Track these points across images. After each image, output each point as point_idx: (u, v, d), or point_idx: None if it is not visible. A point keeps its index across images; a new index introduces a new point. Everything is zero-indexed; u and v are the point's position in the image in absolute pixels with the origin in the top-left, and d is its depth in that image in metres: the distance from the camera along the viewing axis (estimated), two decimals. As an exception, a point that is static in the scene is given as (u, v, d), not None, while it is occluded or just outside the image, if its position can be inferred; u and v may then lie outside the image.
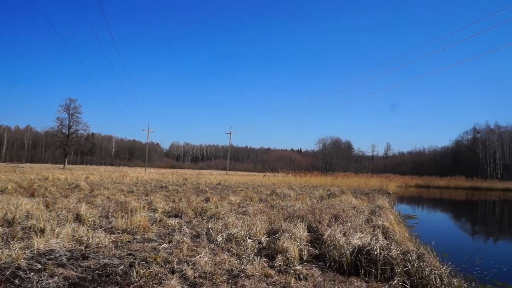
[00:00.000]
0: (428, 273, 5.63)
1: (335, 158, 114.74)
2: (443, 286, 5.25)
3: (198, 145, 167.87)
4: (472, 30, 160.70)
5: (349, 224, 9.35)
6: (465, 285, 5.54)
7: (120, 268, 5.56)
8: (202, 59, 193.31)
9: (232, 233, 8.07)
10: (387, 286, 5.38)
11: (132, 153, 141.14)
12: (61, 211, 10.41)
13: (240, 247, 7.28)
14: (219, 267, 5.96)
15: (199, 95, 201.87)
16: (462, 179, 61.00)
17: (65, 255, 6.15)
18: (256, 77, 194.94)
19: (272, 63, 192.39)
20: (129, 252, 6.61)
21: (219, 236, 7.84)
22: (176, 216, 11.03)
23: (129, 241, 7.48)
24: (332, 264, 6.63)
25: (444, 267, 6.05)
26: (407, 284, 5.42)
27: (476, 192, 48.59)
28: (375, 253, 6.40)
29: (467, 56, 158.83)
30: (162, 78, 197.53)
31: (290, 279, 5.59)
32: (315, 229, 9.03)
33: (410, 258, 6.21)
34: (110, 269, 5.55)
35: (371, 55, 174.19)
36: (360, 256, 6.49)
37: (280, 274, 5.96)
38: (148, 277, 5.22)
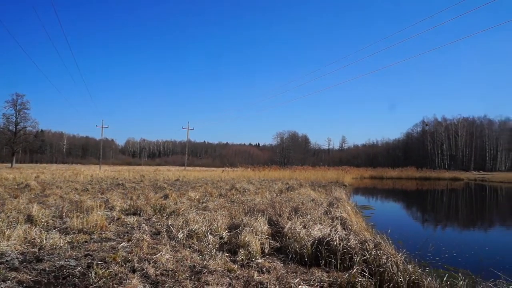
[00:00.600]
0: (385, 260, 5.84)
1: (292, 152, 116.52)
2: (399, 273, 5.46)
3: (155, 141, 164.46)
4: (417, 29, 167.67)
5: (308, 217, 9.53)
6: (419, 270, 5.79)
7: (77, 270, 5.36)
8: (157, 53, 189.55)
9: (193, 229, 8.00)
10: (346, 275, 5.52)
11: (85, 150, 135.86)
12: (11, 212, 9.87)
13: (202, 243, 7.23)
14: (181, 264, 5.90)
15: (154, 89, 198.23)
16: (413, 169, 63.76)
17: (17, 258, 5.85)
18: (210, 72, 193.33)
19: (227, 57, 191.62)
20: (86, 252, 6.39)
21: (180, 233, 7.74)
22: (134, 214, 10.78)
23: (86, 241, 7.23)
24: (294, 256, 6.74)
25: (400, 254, 6.31)
26: (366, 272, 5.59)
27: (426, 182, 50.97)
28: (335, 243, 6.56)
29: (417, 52, 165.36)
30: (116, 72, 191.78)
31: (253, 272, 5.62)
32: (275, 222, 9.15)
33: (368, 247, 6.42)
34: (67, 271, 5.34)
35: (326, 51, 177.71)
36: (320, 247, 6.63)
37: (243, 268, 5.98)
38: (108, 277, 5.08)
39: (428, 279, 5.40)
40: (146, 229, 8.45)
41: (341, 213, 10.58)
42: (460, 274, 5.70)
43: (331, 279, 5.60)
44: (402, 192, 35.71)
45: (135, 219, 9.81)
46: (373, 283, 5.33)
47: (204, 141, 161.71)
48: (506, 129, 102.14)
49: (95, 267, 5.36)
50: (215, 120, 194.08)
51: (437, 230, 14.73)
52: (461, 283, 5.15)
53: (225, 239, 7.60)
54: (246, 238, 7.05)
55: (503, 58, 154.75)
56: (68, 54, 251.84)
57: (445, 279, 5.49)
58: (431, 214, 19.94)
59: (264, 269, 5.96)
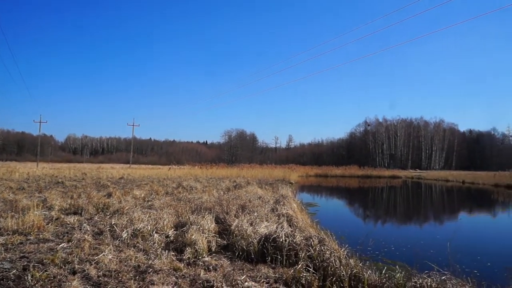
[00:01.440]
0: (329, 255, 6.03)
1: (240, 150, 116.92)
2: (341, 267, 5.66)
3: (98, 137, 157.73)
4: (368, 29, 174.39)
5: (255, 214, 9.62)
6: (360, 264, 6.05)
7: (12, 273, 5.04)
8: (99, 45, 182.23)
9: (138, 228, 7.80)
10: (292, 270, 5.64)
11: (21, 147, 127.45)
12: None
13: (147, 242, 7.07)
14: (125, 264, 5.73)
15: (97, 84, 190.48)
16: (356, 168, 66.32)
17: None
18: (161, 66, 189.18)
19: (179, 53, 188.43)
20: (22, 254, 6.02)
21: (124, 232, 7.51)
22: (75, 213, 10.30)
23: (21, 243, 6.81)
24: (240, 253, 6.79)
25: (342, 250, 6.56)
26: (310, 267, 5.74)
27: (367, 179, 53.19)
28: (281, 240, 6.69)
29: (360, 55, 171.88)
30: (55, 65, 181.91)
31: (200, 271, 5.59)
32: (223, 220, 9.14)
33: (313, 243, 6.61)
34: (0, 274, 5.02)
35: (275, 49, 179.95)
36: (266, 244, 6.73)
37: (189, 266, 5.93)
38: (46, 280, 4.82)
39: (369, 272, 5.65)
40: (88, 229, 8.12)
41: (287, 210, 10.78)
42: (397, 266, 6.00)
43: (277, 275, 5.71)
44: (345, 189, 37.01)
45: (76, 218, 9.39)
46: (317, 277, 5.48)
47: (150, 138, 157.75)
48: (440, 130, 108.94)
49: (31, 269, 5.07)
50: (161, 117, 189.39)
51: (377, 225, 15.43)
52: (398, 275, 5.43)
53: (171, 238, 7.49)
54: (193, 236, 6.98)
55: (443, 62, 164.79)
56: (3, 43, 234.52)
57: (383, 271, 5.76)
58: (372, 210, 20.84)
59: (211, 267, 5.94)
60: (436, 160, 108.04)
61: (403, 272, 5.57)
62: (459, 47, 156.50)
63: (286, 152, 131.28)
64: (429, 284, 5.00)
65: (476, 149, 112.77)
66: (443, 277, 5.19)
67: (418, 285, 5.05)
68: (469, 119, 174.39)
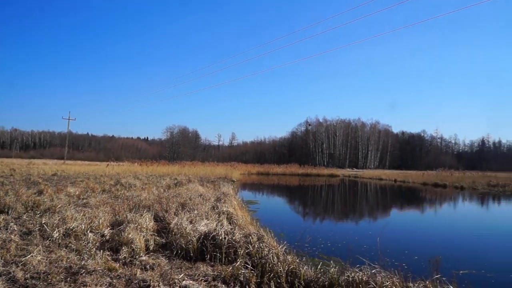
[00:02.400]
0: (267, 252, 6.14)
1: (182, 147, 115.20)
2: (279, 263, 5.79)
3: (29, 131, 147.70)
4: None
5: (195, 212, 9.56)
6: (297, 260, 6.22)
7: None
8: (33, 32, 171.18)
9: (71, 227, 7.45)
10: (230, 268, 5.68)
11: None
12: None
13: (81, 242, 6.77)
14: (56, 265, 5.45)
15: (29, 72, 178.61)
16: (296, 166, 67.86)
17: None
18: (100, 60, 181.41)
19: (116, 47, 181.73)
20: None
21: (55, 232, 7.14)
22: (1, 212, 9.61)
23: None
24: (179, 251, 6.72)
25: (280, 246, 6.71)
26: (249, 264, 5.82)
27: (307, 178, 54.62)
28: (220, 238, 6.71)
29: (304, 55, 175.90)
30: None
31: (136, 270, 5.46)
32: (162, 218, 8.99)
33: (252, 240, 6.70)
34: None
35: (217, 47, 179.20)
36: (206, 242, 6.72)
37: (125, 266, 5.77)
38: (-35, 284, 4.48)
39: (305, 268, 5.83)
40: (15, 228, 7.62)
41: (227, 208, 10.81)
42: (332, 262, 6.25)
43: (215, 272, 5.71)
44: (286, 187, 37.72)
45: (2, 218, 8.75)
46: (255, 274, 5.56)
47: (88, 133, 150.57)
48: (376, 131, 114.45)
49: None
50: (100, 111, 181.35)
51: (315, 222, 15.90)
52: (332, 270, 5.66)
53: (107, 237, 7.24)
54: (130, 235, 6.80)
55: (379, 68, 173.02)
56: None
57: (319, 267, 5.98)
58: (311, 207, 21.44)
59: (148, 266, 5.83)
60: (371, 160, 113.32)
61: (337, 267, 5.81)
62: (395, 52, 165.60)
63: (229, 150, 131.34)
64: (360, 277, 5.25)
65: (407, 149, 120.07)
66: (373, 271, 5.49)
67: (350, 279, 5.29)
68: (402, 121, 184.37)
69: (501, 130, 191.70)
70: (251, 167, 65.88)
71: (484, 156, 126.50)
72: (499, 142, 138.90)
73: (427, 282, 5.25)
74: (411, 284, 5.22)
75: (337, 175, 63.46)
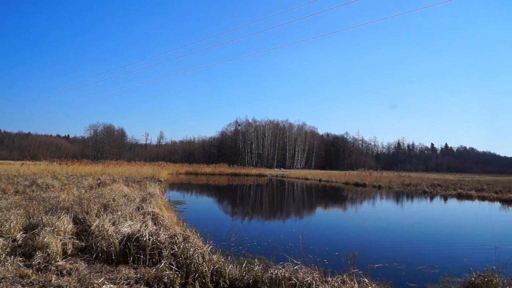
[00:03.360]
0: (192, 252, 6.11)
1: (107, 145, 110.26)
2: (204, 263, 5.80)
3: None
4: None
5: (119, 213, 9.22)
6: (222, 259, 6.26)
7: None
8: None
9: (-23, 232, 6.83)
10: (154, 269, 5.57)
11: None
12: None
13: (-12, 248, 6.23)
14: (-43, 274, 4.98)
15: None
16: (225, 166, 68.06)
17: None
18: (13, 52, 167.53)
19: (36, 40, 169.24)
20: None
21: (-43, 238, 6.50)
22: None
23: None
24: (100, 255, 6.45)
25: (206, 246, 6.70)
26: (173, 265, 5.75)
27: (236, 177, 55.00)
28: (144, 239, 6.55)
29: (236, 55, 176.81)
30: None
31: (51, 276, 5.15)
32: (82, 220, 8.55)
33: (177, 241, 6.61)
34: None
35: (144, 44, 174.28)
36: (129, 244, 6.52)
37: (39, 272, 5.42)
38: None
39: (230, 267, 5.90)
40: None
41: (153, 208, 10.58)
42: (256, 259, 6.40)
43: (138, 275, 5.58)
44: (214, 187, 37.64)
45: None
46: (179, 275, 5.51)
47: (0, 130, 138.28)
48: (303, 132, 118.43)
49: None
50: (15, 105, 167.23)
51: (243, 221, 16.06)
52: (256, 268, 5.78)
53: (20, 242, 6.73)
54: (45, 239, 6.39)
55: (303, 71, 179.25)
56: None
57: (244, 265, 6.07)
58: (239, 207, 21.60)
59: (64, 271, 5.53)
60: (298, 160, 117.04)
61: (261, 265, 5.94)
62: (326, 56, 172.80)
63: (157, 149, 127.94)
64: (283, 274, 5.42)
65: (331, 150, 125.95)
66: (295, 267, 5.71)
67: (273, 276, 5.44)
68: (326, 123, 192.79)
69: (414, 133, 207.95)
70: (179, 166, 64.95)
71: (399, 158, 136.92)
72: (413, 144, 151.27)
73: (344, 276, 5.57)
74: (329, 279, 5.50)
75: (265, 174, 64.65)
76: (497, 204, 24.94)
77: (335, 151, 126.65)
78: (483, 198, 28.48)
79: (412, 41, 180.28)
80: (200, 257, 5.98)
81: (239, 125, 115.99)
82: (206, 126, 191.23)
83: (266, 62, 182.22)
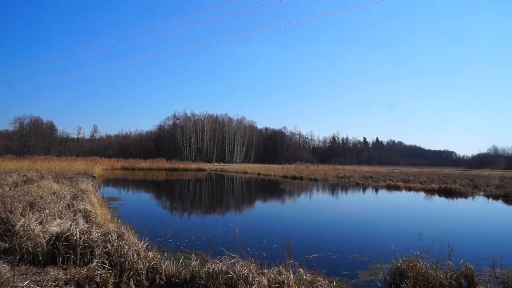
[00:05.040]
0: (127, 250, 5.93)
1: (34, 140, 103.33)
2: (139, 261, 5.64)
3: None
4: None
5: (47, 211, 8.69)
6: (158, 256, 6.13)
7: None
8: None
9: None
10: (85, 269, 5.33)
11: None
12: None
13: None
14: None
15: None
16: (163, 161, 66.71)
17: None
18: None
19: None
20: None
21: None
22: None
23: None
24: (25, 256, 6.05)
25: (142, 243, 6.54)
26: (106, 264, 5.54)
27: (175, 172, 54.15)
28: (75, 238, 6.24)
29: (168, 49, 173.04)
30: None
31: (-33, 282, 4.74)
32: (5, 220, 7.98)
33: (111, 238, 6.38)
34: None
35: (77, 36, 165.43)
36: (58, 244, 6.17)
37: (-47, 278, 4.96)
38: None
39: (166, 263, 5.80)
40: None
41: (85, 205, 10.11)
42: (194, 255, 6.34)
43: (68, 276, 5.32)
44: (152, 182, 36.78)
45: None
46: (113, 274, 5.33)
47: None
48: (242, 126, 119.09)
49: None
50: None
51: (182, 217, 15.87)
52: (193, 263, 5.74)
53: None
54: (-39, 242, 5.87)
55: (244, 65, 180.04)
56: None
57: (181, 261, 6.01)
58: (177, 202, 21.29)
59: (-16, 275, 5.11)
60: (237, 154, 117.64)
61: (198, 260, 5.91)
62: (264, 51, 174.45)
63: (90, 143, 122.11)
64: (220, 268, 5.43)
65: (270, 144, 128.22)
66: (232, 261, 5.74)
67: (211, 270, 5.43)
68: (265, 117, 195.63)
69: (348, 128, 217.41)
70: (115, 161, 62.62)
71: (334, 151, 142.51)
72: (347, 138, 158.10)
73: (281, 267, 5.70)
74: (266, 270, 5.60)
75: (204, 169, 64.33)
76: (422, 194, 26.85)
77: (273, 145, 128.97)
78: (409, 189, 30.52)
79: (343, 37, 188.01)
80: (135, 255, 5.82)
81: (177, 119, 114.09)
82: (143, 120, 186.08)
83: (204, 55, 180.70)
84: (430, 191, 28.38)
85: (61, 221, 7.59)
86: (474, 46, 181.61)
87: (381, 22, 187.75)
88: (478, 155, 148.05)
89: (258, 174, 50.96)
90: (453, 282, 5.76)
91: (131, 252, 5.84)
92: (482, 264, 7.24)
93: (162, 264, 5.74)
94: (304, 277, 5.53)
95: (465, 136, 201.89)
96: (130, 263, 5.58)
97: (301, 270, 5.69)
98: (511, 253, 6.32)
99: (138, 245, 6.30)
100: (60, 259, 6.01)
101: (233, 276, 5.28)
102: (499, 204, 21.70)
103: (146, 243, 6.59)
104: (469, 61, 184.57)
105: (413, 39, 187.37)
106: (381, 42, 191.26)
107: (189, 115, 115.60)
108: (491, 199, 23.92)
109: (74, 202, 10.82)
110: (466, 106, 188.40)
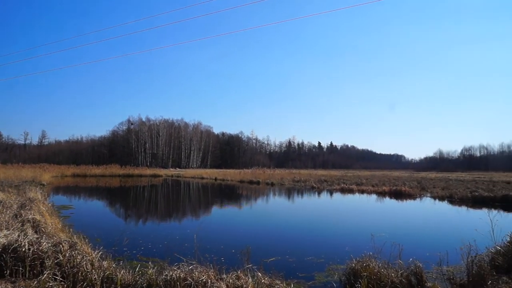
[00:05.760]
0: (80, 260, 5.74)
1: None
2: (93, 271, 5.48)
3: None
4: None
5: (-8, 222, 8.24)
6: (114, 265, 5.98)
7: None
8: None
9: None
10: (35, 282, 5.10)
11: None
12: None
13: None
14: None
15: None
16: (117, 167, 64.73)
17: None
18: None
19: None
20: None
21: None
22: None
23: None
24: (-32, 271, 5.70)
25: (96, 252, 6.35)
26: (58, 276, 5.33)
27: (129, 178, 52.77)
28: (23, 249, 5.95)
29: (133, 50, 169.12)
30: None
31: None
32: None
33: (62, 249, 6.15)
34: None
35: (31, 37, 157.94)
36: (5, 256, 5.86)
37: None
38: None
39: (122, 272, 5.66)
40: None
41: (33, 215, 9.66)
42: (150, 262, 6.24)
43: (17, 289, 5.06)
44: (105, 189, 35.67)
45: None
46: (65, 285, 5.15)
47: None
48: (198, 131, 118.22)
49: None
50: None
51: (137, 224, 15.51)
52: (150, 271, 5.65)
53: None
54: None
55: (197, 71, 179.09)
56: None
57: (137, 269, 5.89)
58: (132, 209, 20.78)
59: None
60: (194, 159, 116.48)
61: (155, 268, 5.82)
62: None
63: (39, 149, 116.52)
64: (178, 275, 5.39)
65: (227, 149, 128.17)
66: (190, 267, 5.71)
67: (168, 277, 5.37)
68: (221, 122, 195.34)
69: (303, 133, 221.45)
70: (65, 168, 60.03)
71: (290, 156, 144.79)
72: (302, 143, 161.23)
73: (239, 272, 5.73)
74: (224, 276, 5.62)
75: (160, 175, 63.24)
76: (374, 196, 27.82)
77: (230, 150, 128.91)
78: (362, 191, 31.54)
79: (301, 46, 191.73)
80: (89, 265, 5.64)
81: (131, 124, 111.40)
82: (95, 125, 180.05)
83: (158, 59, 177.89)
84: (381, 194, 29.44)
85: (8, 232, 7.20)
86: (414, 51, 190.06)
87: (327, 32, 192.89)
88: (425, 158, 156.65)
89: (215, 179, 50.74)
90: (403, 280, 6.03)
91: (85, 262, 5.66)
92: (430, 262, 7.61)
93: (118, 274, 5.60)
94: (263, 280, 5.59)
95: (413, 141, 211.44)
96: (83, 274, 5.40)
97: (259, 274, 5.74)
98: (457, 251, 6.69)
99: (91, 255, 6.11)
100: (8, 271, 5.71)
101: (191, 282, 5.24)
102: (445, 205, 22.88)
103: (100, 252, 6.41)
104: (408, 67, 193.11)
105: (360, 46, 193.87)
106: (333, 50, 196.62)
107: (144, 120, 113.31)
108: (437, 200, 25.16)
109: (22, 211, 10.31)
110: (413, 111, 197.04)
